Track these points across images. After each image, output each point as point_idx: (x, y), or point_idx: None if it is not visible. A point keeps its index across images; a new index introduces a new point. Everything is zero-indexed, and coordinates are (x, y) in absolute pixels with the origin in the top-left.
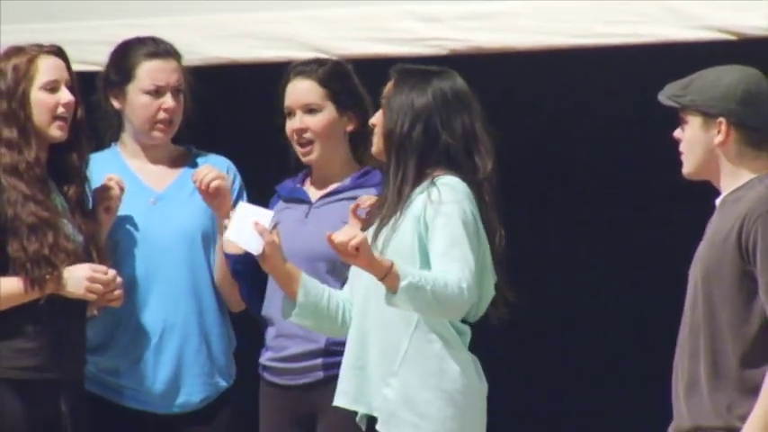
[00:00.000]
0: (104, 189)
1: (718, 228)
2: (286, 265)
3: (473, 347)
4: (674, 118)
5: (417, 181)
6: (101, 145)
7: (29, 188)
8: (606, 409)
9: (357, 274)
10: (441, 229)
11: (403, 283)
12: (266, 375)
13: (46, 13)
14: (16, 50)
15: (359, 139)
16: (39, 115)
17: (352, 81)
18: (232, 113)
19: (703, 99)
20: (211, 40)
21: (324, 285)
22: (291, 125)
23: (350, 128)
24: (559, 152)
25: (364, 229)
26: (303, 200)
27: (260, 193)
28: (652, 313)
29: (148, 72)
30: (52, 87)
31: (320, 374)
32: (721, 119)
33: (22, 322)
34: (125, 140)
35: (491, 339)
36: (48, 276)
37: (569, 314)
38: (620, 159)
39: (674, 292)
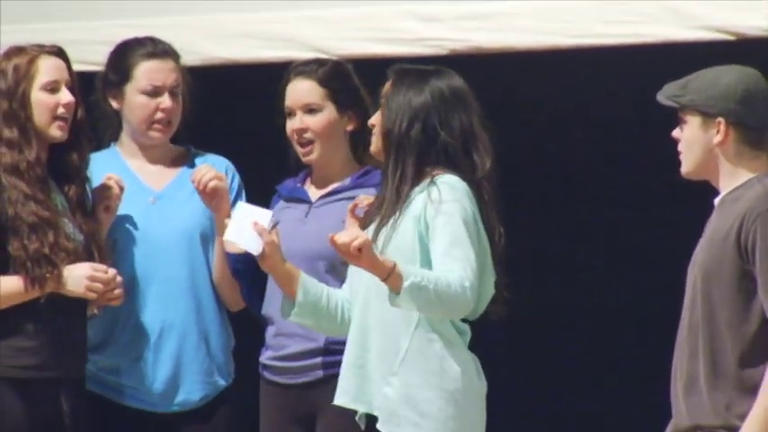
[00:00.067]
0: (104, 188)
1: (717, 227)
2: (285, 264)
3: (473, 347)
4: (674, 118)
5: (416, 180)
6: (100, 145)
7: (29, 188)
8: (606, 409)
9: (356, 274)
10: (442, 228)
11: (406, 284)
12: (266, 374)
13: (46, 13)
14: (17, 50)
15: (359, 139)
16: (39, 115)
17: (353, 81)
18: (232, 114)
19: (702, 99)
20: (211, 40)
21: (323, 285)
22: (292, 125)
23: (350, 128)
24: (559, 152)
25: (362, 228)
26: (303, 199)
27: (260, 194)
28: (652, 313)
29: (146, 72)
30: (52, 88)
31: (320, 373)
32: (720, 119)
33: (23, 321)
34: (124, 140)
35: (491, 339)
36: (48, 275)
37: (569, 314)
38: (620, 159)
39: (674, 292)
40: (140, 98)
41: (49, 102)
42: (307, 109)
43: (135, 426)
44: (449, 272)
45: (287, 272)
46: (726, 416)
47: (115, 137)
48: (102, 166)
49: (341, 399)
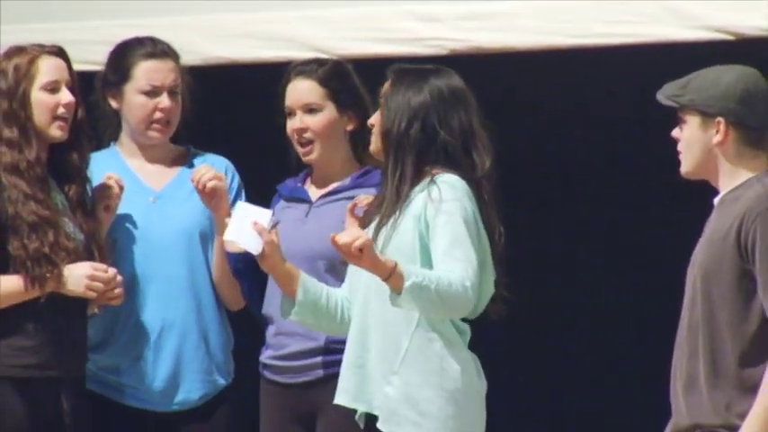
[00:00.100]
0: (104, 188)
1: (717, 227)
2: (285, 264)
3: (473, 347)
4: (673, 118)
5: (416, 179)
6: (100, 144)
7: (29, 187)
8: (606, 409)
9: (356, 273)
10: (442, 227)
11: (407, 284)
12: (266, 373)
13: (46, 13)
14: (18, 50)
15: (359, 139)
16: (39, 115)
17: (353, 81)
18: (232, 113)
19: (702, 98)
20: (211, 40)
21: (322, 284)
22: (292, 125)
23: (350, 127)
24: (559, 152)
25: (361, 227)
26: (303, 199)
27: (260, 194)
28: (652, 313)
29: (145, 72)
30: (53, 88)
31: (320, 372)
32: (720, 118)
33: (23, 320)
34: (123, 140)
35: (491, 339)
36: (48, 274)
37: (569, 314)
38: (620, 159)
39: (674, 292)
40: (139, 98)
41: (49, 102)
42: (307, 109)
43: (135, 425)
44: (450, 271)
45: (287, 271)
46: (726, 415)
47: (115, 136)
48: (102, 166)
49: (341, 398)
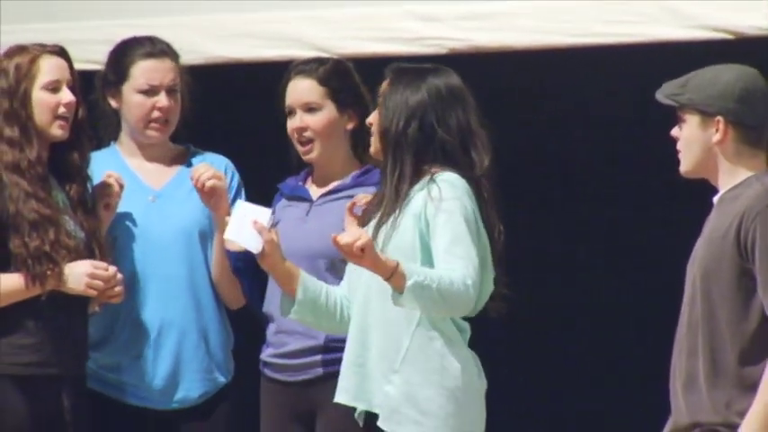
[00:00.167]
0: (104, 186)
1: (716, 226)
2: (285, 263)
3: (473, 346)
4: (673, 117)
5: (415, 178)
6: (101, 143)
7: (30, 186)
8: (606, 409)
9: (355, 272)
10: (443, 226)
11: (409, 283)
12: (267, 371)
13: (46, 12)
14: (19, 49)
15: (360, 138)
16: (40, 114)
17: (353, 79)
18: (232, 113)
19: (701, 97)
20: (211, 40)
21: (321, 282)
22: (292, 124)
23: (350, 126)
24: (559, 152)
25: (360, 226)
26: (304, 198)
27: (260, 193)
28: (652, 313)
29: (143, 71)
30: (53, 87)
31: (320, 371)
32: (719, 117)
33: (24, 318)
34: (123, 139)
35: (491, 339)
36: (48, 273)
37: (569, 314)
38: (620, 159)
39: (673, 292)
40: (137, 97)
41: (49, 101)
42: (306, 108)
43: (135, 423)
44: (451, 270)
45: (286, 270)
46: (725, 413)
47: (115, 136)
48: (102, 165)
49: (341, 397)
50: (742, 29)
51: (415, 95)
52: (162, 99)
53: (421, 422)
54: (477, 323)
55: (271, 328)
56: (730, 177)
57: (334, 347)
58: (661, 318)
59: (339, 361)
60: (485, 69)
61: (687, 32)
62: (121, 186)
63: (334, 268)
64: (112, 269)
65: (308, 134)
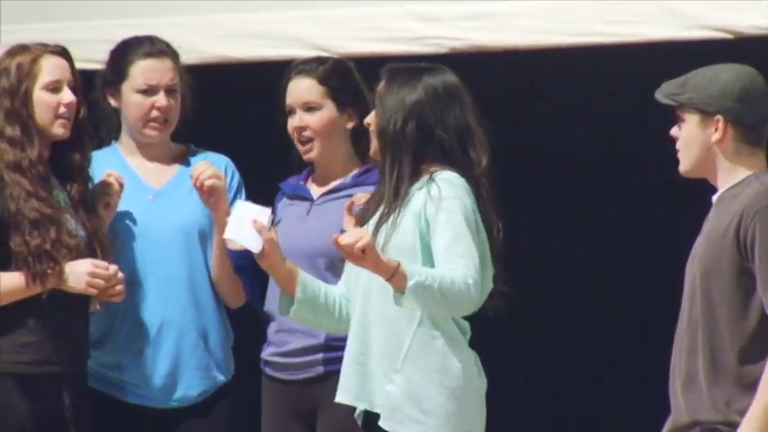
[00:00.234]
0: (104, 185)
1: (716, 224)
2: (284, 262)
3: (473, 346)
4: (673, 117)
5: (414, 178)
6: (101, 143)
7: (31, 185)
8: (606, 409)
9: (355, 271)
10: (443, 225)
11: (410, 283)
12: (267, 370)
13: (46, 12)
14: (21, 49)
15: (360, 137)
16: (41, 114)
17: (353, 78)
18: (233, 112)
19: (700, 97)
20: (211, 40)
21: (320, 281)
22: (292, 123)
23: (351, 125)
24: (559, 151)
25: (358, 225)
26: (305, 197)
27: (260, 192)
28: (652, 313)
29: (142, 71)
30: (54, 87)
31: (320, 369)
32: (718, 116)
33: (24, 317)
34: (123, 139)
35: (491, 338)
36: (49, 271)
37: (569, 314)
38: (620, 159)
39: (673, 292)
40: (136, 97)
41: (50, 101)
42: (306, 107)
43: (135, 421)
44: (452, 269)
45: (286, 270)
46: (725, 412)
47: (115, 135)
48: (103, 164)
49: (342, 396)
50: (741, 28)
51: (411, 95)
52: (161, 99)
53: (422, 421)
54: (478, 323)
55: (272, 327)
56: (729, 176)
57: (334, 346)
58: (661, 317)
59: (340, 359)
60: (485, 69)
61: (687, 32)
62: (121, 185)
63: (333, 267)
64: (113, 268)
65: (307, 133)
